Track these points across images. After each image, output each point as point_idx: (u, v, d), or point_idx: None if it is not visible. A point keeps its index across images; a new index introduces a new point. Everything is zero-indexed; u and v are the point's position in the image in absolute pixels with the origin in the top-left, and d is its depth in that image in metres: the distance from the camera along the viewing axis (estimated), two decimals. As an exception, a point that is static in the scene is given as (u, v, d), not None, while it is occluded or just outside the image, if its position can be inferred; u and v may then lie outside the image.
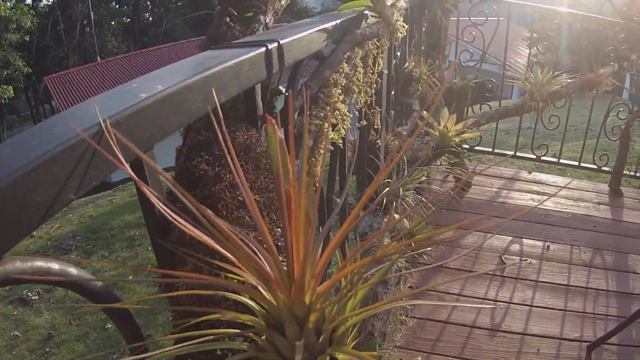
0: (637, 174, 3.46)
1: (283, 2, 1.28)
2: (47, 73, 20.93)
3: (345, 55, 1.05)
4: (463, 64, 3.07)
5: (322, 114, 0.90)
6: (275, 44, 0.76)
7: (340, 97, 0.98)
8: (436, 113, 2.29)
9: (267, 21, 1.20)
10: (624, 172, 3.34)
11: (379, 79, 1.29)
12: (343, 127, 1.01)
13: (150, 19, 26.96)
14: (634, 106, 3.22)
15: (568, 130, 3.44)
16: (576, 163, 3.55)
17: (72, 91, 14.94)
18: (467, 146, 3.28)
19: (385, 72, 1.43)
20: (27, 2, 23.78)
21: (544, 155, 3.42)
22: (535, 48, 3.24)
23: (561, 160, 3.52)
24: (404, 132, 1.83)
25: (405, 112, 2.06)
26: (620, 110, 3.27)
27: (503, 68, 3.42)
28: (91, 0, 20.14)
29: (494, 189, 3.17)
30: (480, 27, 3.00)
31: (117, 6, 26.89)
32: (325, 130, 0.88)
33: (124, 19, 27.46)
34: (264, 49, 0.73)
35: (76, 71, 16.40)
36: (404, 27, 1.25)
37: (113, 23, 25.84)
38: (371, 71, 1.22)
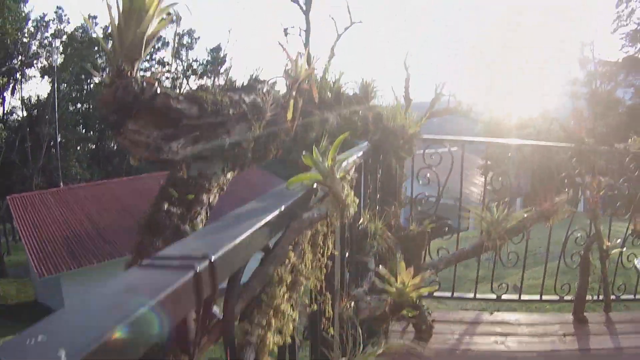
0: (600, 297, 3.43)
1: (229, 176, 1.26)
2: (11, 189, 20.67)
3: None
4: (419, 209, 3.14)
5: (265, 321, 0.81)
6: (206, 263, 0.67)
7: (286, 296, 0.90)
8: (392, 265, 2.25)
9: (210, 200, 1.17)
10: (587, 297, 3.30)
11: (329, 262, 1.24)
12: (291, 325, 0.92)
13: (115, 147, 27.53)
14: (590, 230, 3.26)
15: (527, 257, 3.45)
16: (537, 297, 3.54)
17: (33, 213, 15.17)
18: (425, 293, 3.22)
19: (337, 253, 1.38)
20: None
21: (504, 294, 3.42)
22: (489, 176, 3.38)
23: (522, 297, 3.51)
24: (360, 295, 1.76)
25: (361, 272, 2.00)
26: (578, 236, 3.33)
27: (459, 203, 3.51)
28: (58, 123, 20.58)
29: (455, 336, 3.05)
30: (434, 167, 3.13)
31: (84, 131, 27.64)
32: (268, 341, 0.79)
33: (90, 144, 28.11)
34: (191, 274, 0.64)
35: (39, 194, 16.84)
36: (355, 202, 1.25)
37: (79, 148, 26.36)
38: (321, 252, 1.17)
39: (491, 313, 3.41)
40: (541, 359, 2.79)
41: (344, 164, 1.47)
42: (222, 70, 31.48)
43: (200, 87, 1.15)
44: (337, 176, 1.28)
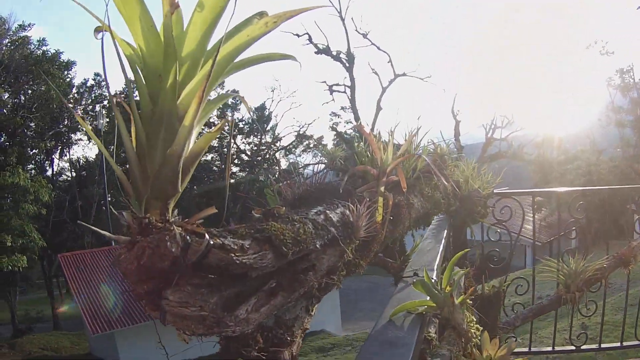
0: None
1: (314, 312, 1.07)
2: (63, 246, 21.39)
3: None
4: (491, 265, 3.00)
5: None
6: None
7: None
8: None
9: (294, 354, 1.01)
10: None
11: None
12: None
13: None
14: None
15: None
16: (618, 344, 3.27)
17: (84, 271, 15.51)
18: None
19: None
20: (47, 174, 25.46)
21: (583, 344, 3.18)
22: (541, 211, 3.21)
23: (602, 345, 3.24)
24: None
25: None
26: None
27: (515, 240, 3.30)
28: (107, 183, 21.40)
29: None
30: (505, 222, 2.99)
31: (134, 191, 28.63)
32: None
33: (138, 204, 28.94)
34: None
35: (90, 252, 17.24)
36: (478, 329, 1.11)
37: (128, 207, 27.25)
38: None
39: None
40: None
41: (459, 278, 1.31)
42: (267, 128, 31.93)
43: (271, 214, 0.87)
44: (457, 302, 1.17)
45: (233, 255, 0.73)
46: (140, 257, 0.66)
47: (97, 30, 0.72)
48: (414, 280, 1.26)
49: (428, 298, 1.11)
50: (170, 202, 0.73)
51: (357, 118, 17.46)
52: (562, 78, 52.56)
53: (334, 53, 17.29)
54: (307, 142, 32.95)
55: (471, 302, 2.35)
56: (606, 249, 2.96)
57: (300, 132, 32.24)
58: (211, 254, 0.71)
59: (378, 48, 17.30)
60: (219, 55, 0.71)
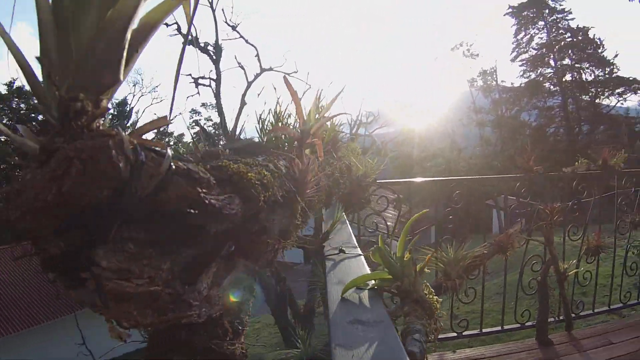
0: (560, 317, 3.51)
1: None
2: None
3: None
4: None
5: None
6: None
7: None
8: None
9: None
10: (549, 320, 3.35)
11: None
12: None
13: None
14: (545, 255, 3.35)
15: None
16: (499, 328, 3.54)
17: None
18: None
19: None
20: None
21: (465, 330, 3.39)
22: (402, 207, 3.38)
23: (484, 330, 3.49)
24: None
25: None
26: (534, 262, 3.41)
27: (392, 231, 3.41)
28: None
29: (422, 384, 2.90)
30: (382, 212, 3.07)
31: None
32: None
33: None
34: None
35: None
36: (438, 301, 1.05)
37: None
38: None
39: (454, 351, 3.32)
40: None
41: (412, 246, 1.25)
42: (128, 125, 29.75)
43: (215, 155, 0.66)
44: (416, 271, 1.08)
45: (201, 190, 0.50)
46: (62, 177, 0.38)
47: None
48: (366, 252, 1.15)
49: (381, 270, 1.03)
50: (104, 98, 0.45)
51: (221, 112, 16.86)
52: (428, 78, 55.78)
53: (202, 45, 16.69)
54: (167, 139, 31.36)
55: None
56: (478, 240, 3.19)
57: (160, 130, 30.66)
58: (173, 184, 0.46)
59: (246, 41, 16.99)
60: None
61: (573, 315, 3.54)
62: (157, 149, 0.47)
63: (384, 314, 0.91)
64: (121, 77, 0.48)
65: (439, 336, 3.31)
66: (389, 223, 3.14)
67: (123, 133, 0.43)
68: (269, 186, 0.68)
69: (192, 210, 0.48)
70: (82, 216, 0.41)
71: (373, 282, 1.07)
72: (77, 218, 0.42)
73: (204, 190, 0.50)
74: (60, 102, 0.40)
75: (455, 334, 3.39)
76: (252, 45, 17.35)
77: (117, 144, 0.41)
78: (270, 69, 17.28)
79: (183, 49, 0.60)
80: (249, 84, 17.14)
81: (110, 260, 0.42)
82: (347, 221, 1.88)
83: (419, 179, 3.53)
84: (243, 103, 16.67)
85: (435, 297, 1.11)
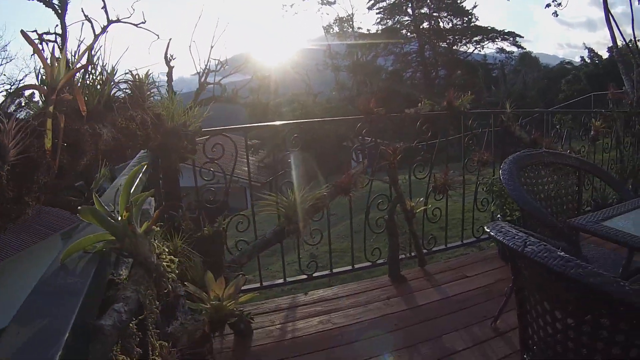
0: (413, 254, 3.58)
1: None
2: None
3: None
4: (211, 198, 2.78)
5: None
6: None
7: None
8: (195, 277, 1.86)
9: None
10: (400, 256, 3.40)
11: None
12: None
13: None
14: (391, 193, 3.37)
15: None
16: (350, 267, 3.54)
17: None
18: (245, 300, 2.91)
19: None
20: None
21: (315, 272, 3.35)
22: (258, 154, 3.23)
23: (334, 270, 3.46)
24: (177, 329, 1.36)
25: (171, 306, 1.56)
26: (379, 201, 3.41)
27: (230, 179, 3.19)
28: None
29: (277, 326, 2.81)
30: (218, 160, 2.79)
31: None
32: None
33: None
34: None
35: None
36: (174, 262, 0.95)
37: None
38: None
39: (306, 294, 3.25)
40: (374, 329, 2.72)
41: (146, 206, 1.16)
42: None
43: None
44: (140, 231, 0.94)
45: None
46: None
47: None
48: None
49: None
50: None
51: (68, 68, 15.17)
52: (283, 25, 51.62)
53: (47, -1, 14.36)
54: (19, 100, 27.13)
55: (191, 245, 2.10)
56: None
57: (11, 90, 26.49)
58: None
59: (93, -7, 15.28)
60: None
61: (425, 250, 3.66)
62: None
63: (85, 283, 0.78)
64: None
65: (289, 279, 3.27)
66: (228, 175, 2.87)
67: None
68: None
69: None
70: None
71: (100, 244, 0.91)
72: None
73: None
74: None
75: (305, 277, 3.33)
76: (98, -4, 15.46)
77: None
78: (118, 21, 15.80)
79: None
80: (96, 37, 15.44)
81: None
82: (141, 174, 1.63)
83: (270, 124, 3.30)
84: (91, 57, 14.88)
85: (170, 256, 0.95)
